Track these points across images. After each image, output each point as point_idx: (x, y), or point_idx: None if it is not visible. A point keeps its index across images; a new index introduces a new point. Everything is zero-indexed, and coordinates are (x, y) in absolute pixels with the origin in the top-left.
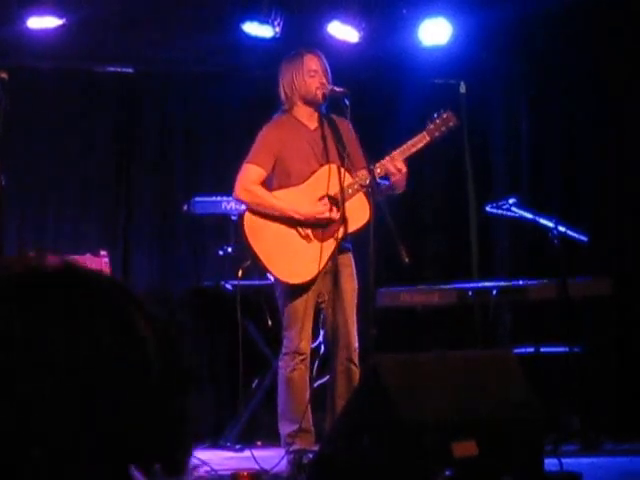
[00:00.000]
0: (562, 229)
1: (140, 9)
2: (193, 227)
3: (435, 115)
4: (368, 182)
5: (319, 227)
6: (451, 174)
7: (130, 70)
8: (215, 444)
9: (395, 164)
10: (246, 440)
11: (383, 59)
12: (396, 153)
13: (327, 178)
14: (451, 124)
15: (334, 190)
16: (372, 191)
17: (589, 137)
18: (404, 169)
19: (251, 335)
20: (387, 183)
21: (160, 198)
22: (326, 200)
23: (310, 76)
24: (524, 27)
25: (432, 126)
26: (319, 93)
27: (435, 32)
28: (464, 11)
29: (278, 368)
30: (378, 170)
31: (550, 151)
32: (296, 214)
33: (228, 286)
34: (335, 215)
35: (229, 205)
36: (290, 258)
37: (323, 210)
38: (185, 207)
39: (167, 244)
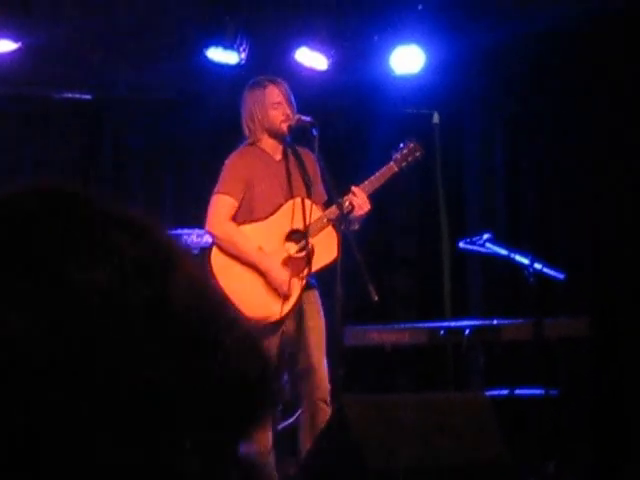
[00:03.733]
0: (538, 266)
1: (100, 34)
2: None
3: (401, 145)
4: (335, 216)
5: (286, 264)
6: (423, 208)
7: (89, 97)
8: None
9: (355, 200)
10: None
11: (353, 88)
12: (357, 189)
13: (292, 212)
14: (418, 154)
15: (300, 225)
16: (340, 226)
17: (567, 169)
18: (366, 207)
19: None
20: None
21: None
22: (287, 273)
23: (273, 108)
24: (498, 55)
25: (399, 156)
26: (284, 126)
27: (407, 60)
28: (437, 39)
29: None
30: (346, 204)
31: (526, 183)
32: (265, 267)
33: None
34: (287, 292)
35: (190, 238)
36: (257, 296)
37: (285, 280)
38: None
39: None
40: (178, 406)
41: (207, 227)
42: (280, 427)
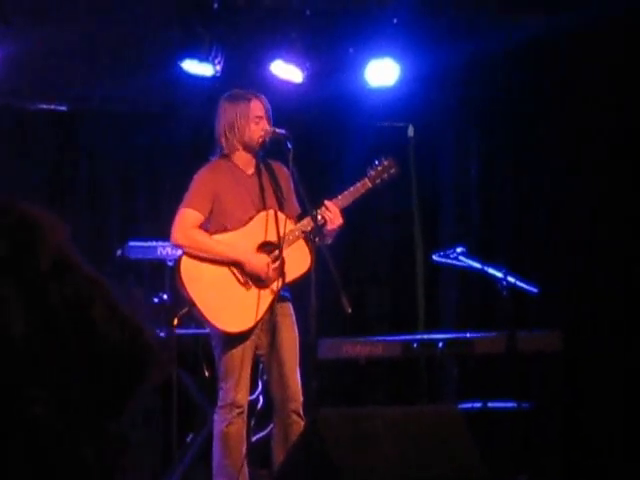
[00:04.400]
0: (511, 280)
1: (75, 45)
2: (127, 273)
3: (376, 162)
4: (310, 228)
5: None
6: (398, 221)
7: (64, 108)
8: None
9: (328, 214)
10: None
11: (328, 100)
12: (329, 203)
13: (265, 224)
14: (392, 171)
15: (273, 237)
16: (314, 238)
17: (542, 183)
18: (338, 221)
19: (187, 387)
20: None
21: (93, 241)
22: (269, 258)
23: (255, 123)
24: (474, 68)
25: (373, 173)
26: (260, 139)
27: (382, 73)
28: (412, 52)
29: (213, 422)
30: (319, 217)
31: (500, 197)
32: (240, 256)
33: (163, 335)
34: (271, 270)
35: (165, 250)
36: (227, 305)
37: (265, 264)
38: (119, 252)
39: None
40: (38, 360)
41: (171, 240)
42: (253, 439)
